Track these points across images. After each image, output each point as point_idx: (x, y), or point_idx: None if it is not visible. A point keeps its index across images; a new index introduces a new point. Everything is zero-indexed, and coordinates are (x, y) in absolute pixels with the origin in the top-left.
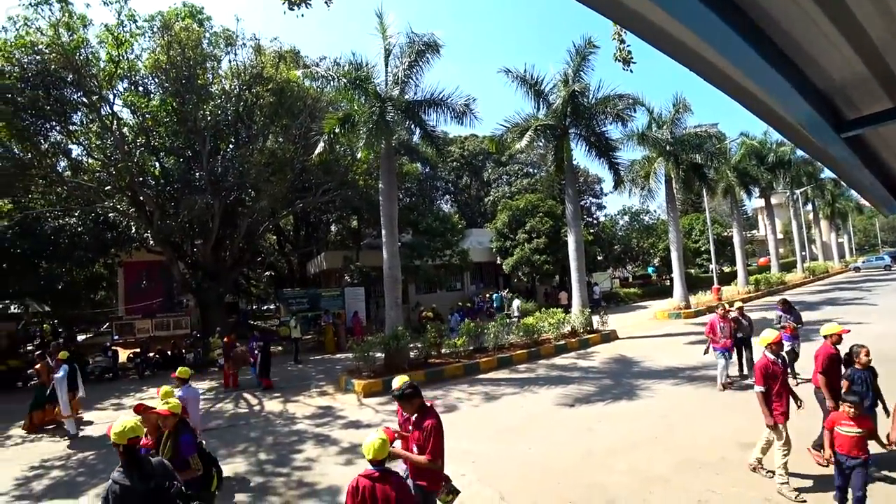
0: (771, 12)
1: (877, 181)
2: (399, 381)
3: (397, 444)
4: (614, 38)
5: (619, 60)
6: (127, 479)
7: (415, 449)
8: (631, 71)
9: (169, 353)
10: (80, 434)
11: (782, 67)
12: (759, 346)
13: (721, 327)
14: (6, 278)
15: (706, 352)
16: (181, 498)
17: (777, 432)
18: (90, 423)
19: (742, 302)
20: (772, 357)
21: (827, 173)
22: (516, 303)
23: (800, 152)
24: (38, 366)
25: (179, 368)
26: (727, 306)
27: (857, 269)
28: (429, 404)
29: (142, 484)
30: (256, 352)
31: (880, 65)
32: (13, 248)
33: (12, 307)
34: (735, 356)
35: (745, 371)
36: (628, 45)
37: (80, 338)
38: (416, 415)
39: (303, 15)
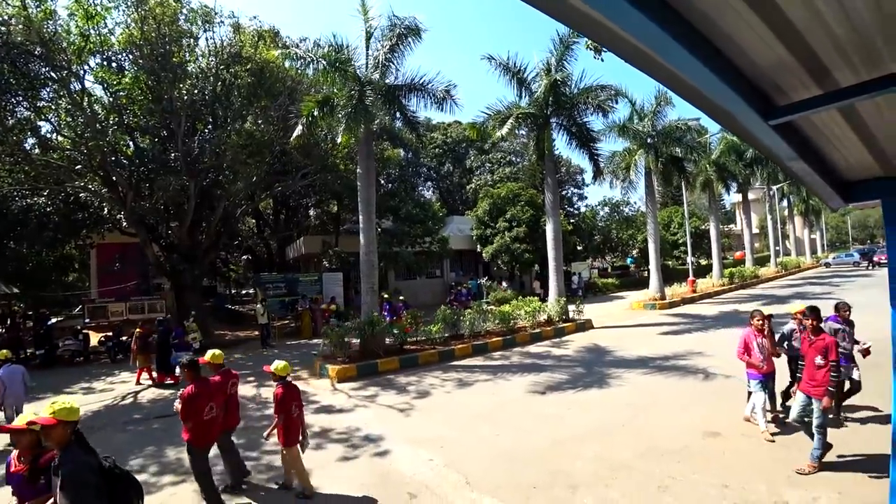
0: None
1: (814, 173)
2: (209, 355)
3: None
4: None
5: (591, 49)
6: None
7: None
8: (602, 59)
9: None
10: None
11: (698, 50)
12: None
13: (759, 344)
14: None
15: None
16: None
17: None
18: None
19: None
20: None
21: None
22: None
23: None
24: None
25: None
26: (763, 313)
27: (827, 264)
28: (206, 378)
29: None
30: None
31: (804, 50)
32: None
33: None
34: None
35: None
36: None
37: (51, 321)
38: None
39: None
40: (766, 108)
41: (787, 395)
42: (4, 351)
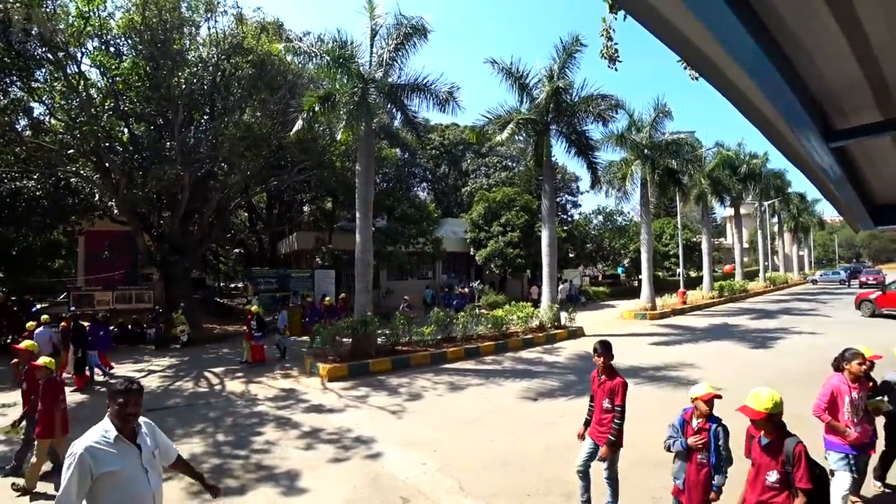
0: None
1: (856, 196)
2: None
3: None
4: (602, 35)
5: (605, 58)
6: None
7: None
8: (616, 69)
9: (129, 326)
10: None
11: (776, 59)
12: None
13: (852, 401)
14: None
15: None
16: None
17: None
18: None
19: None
20: None
21: (794, 188)
22: (563, 286)
23: (770, 165)
24: None
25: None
26: (865, 354)
27: (814, 281)
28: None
29: None
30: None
31: (875, 72)
32: None
33: None
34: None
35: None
36: (615, 44)
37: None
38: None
39: None
40: (825, 129)
41: (885, 464)
42: (45, 316)
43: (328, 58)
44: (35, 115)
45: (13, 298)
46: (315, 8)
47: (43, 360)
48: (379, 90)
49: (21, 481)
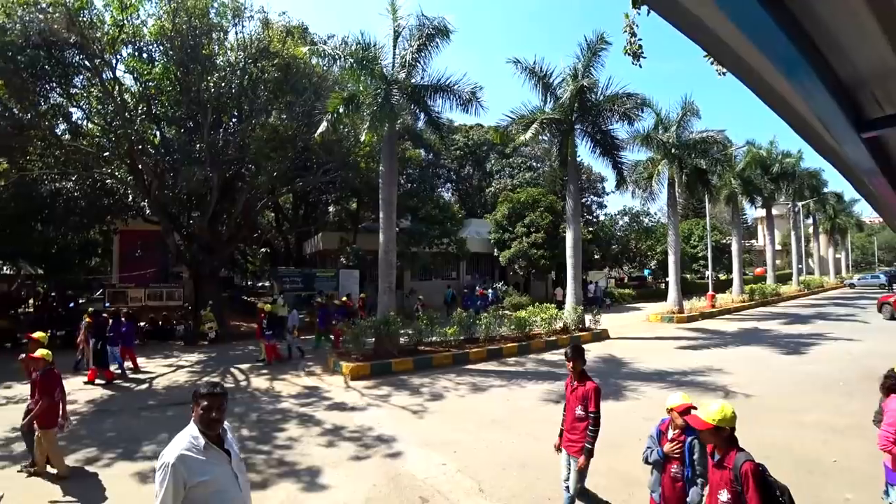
0: None
1: (893, 191)
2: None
3: None
4: (625, 32)
5: (629, 54)
6: None
7: None
8: (640, 66)
9: (160, 322)
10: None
11: (804, 49)
12: None
13: None
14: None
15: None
16: None
17: None
18: None
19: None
20: None
21: (830, 187)
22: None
23: (804, 164)
24: None
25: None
26: None
27: (851, 285)
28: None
29: None
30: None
31: None
32: (8, 209)
33: (5, 268)
34: None
35: None
36: (639, 40)
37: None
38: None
39: None
40: (857, 118)
41: None
42: (91, 309)
43: (352, 60)
44: (73, 119)
45: (53, 294)
46: (339, 11)
47: (40, 352)
48: (402, 91)
49: (53, 470)
